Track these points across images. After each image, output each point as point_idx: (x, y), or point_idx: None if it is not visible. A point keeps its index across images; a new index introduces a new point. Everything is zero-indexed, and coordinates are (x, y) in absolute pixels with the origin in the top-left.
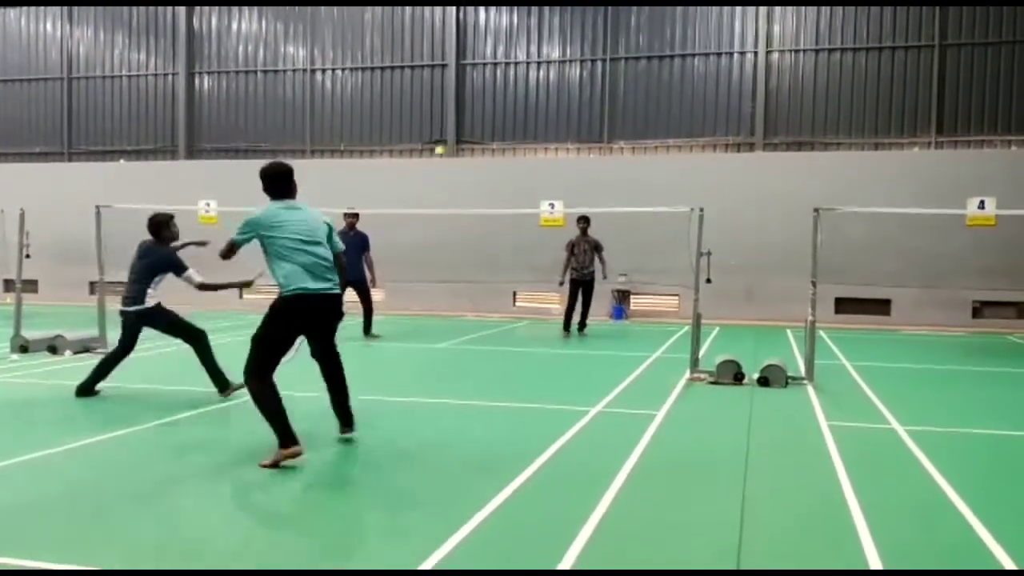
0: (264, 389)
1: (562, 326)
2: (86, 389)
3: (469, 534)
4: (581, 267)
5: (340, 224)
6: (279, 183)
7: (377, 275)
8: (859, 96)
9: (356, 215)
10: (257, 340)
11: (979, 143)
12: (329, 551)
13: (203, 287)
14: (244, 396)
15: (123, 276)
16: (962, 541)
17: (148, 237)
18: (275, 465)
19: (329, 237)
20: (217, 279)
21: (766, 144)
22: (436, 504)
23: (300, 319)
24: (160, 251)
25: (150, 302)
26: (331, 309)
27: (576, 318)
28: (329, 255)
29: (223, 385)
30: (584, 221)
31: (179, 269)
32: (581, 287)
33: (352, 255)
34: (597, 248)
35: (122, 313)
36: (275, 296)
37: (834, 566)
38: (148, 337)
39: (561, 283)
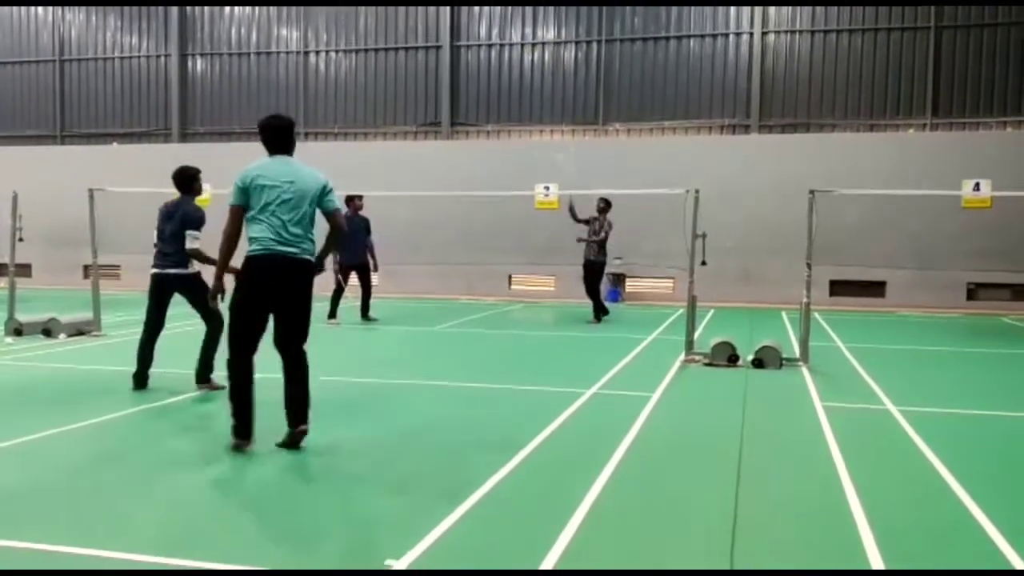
0: (233, 371)
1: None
2: (201, 378)
3: (464, 515)
4: (592, 249)
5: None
6: (279, 137)
7: (377, 259)
8: (855, 78)
9: (360, 198)
10: (229, 312)
11: (974, 125)
12: (321, 533)
13: (194, 254)
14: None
15: (116, 259)
16: (956, 519)
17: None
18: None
19: (321, 197)
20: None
21: (762, 126)
22: (431, 486)
23: (262, 282)
24: (191, 204)
25: (192, 267)
26: (296, 274)
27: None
28: (308, 225)
29: (203, 378)
30: (603, 202)
31: (199, 224)
32: (593, 268)
33: (356, 238)
34: (605, 226)
35: (165, 278)
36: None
37: (828, 545)
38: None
39: (576, 218)
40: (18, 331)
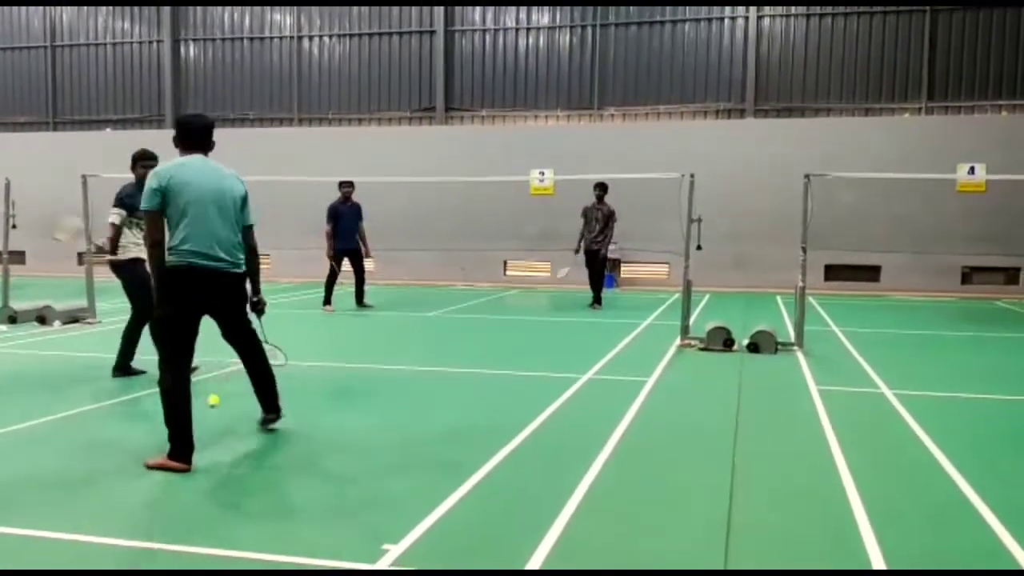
0: (172, 386)
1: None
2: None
3: (460, 499)
4: (592, 236)
5: (333, 196)
6: (195, 135)
7: (368, 245)
8: (850, 61)
9: (351, 184)
10: (155, 324)
11: (970, 108)
12: (317, 519)
13: (109, 227)
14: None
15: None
16: (949, 501)
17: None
18: (160, 468)
19: (243, 206)
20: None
21: (757, 110)
22: (427, 471)
23: (191, 296)
24: (125, 185)
25: (128, 254)
26: (229, 290)
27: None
28: (235, 228)
29: (121, 367)
30: (600, 188)
31: (118, 202)
32: (596, 256)
33: (349, 224)
34: (610, 218)
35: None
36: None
37: (824, 529)
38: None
39: (576, 251)
40: (12, 319)
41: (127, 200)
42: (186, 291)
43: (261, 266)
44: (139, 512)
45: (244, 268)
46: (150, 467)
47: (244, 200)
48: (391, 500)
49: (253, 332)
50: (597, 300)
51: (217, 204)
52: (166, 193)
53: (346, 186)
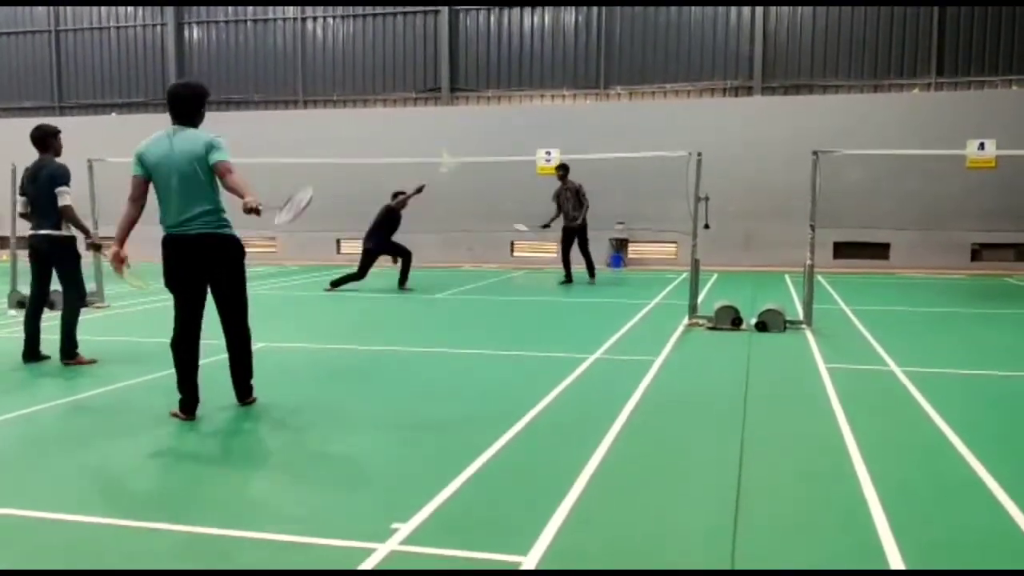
0: (173, 343)
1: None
2: (67, 354)
3: (470, 478)
4: (569, 216)
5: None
6: (173, 108)
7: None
8: (858, 37)
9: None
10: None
11: (979, 84)
12: (326, 498)
13: (67, 212)
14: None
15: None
16: (960, 479)
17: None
18: (174, 417)
19: (207, 155)
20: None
21: (764, 88)
22: (436, 450)
23: (176, 264)
24: (53, 162)
25: (67, 230)
26: (209, 250)
27: (581, 268)
28: (205, 191)
29: (69, 355)
30: (561, 169)
31: (67, 180)
32: (573, 235)
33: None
34: (579, 193)
35: (36, 240)
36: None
37: (834, 506)
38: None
39: (544, 226)
40: (21, 303)
41: None
42: (169, 258)
43: (268, 247)
44: (145, 489)
45: (228, 230)
46: (172, 415)
47: (204, 149)
48: (400, 479)
49: (239, 309)
50: (591, 274)
51: (179, 172)
52: (143, 164)
53: (402, 195)
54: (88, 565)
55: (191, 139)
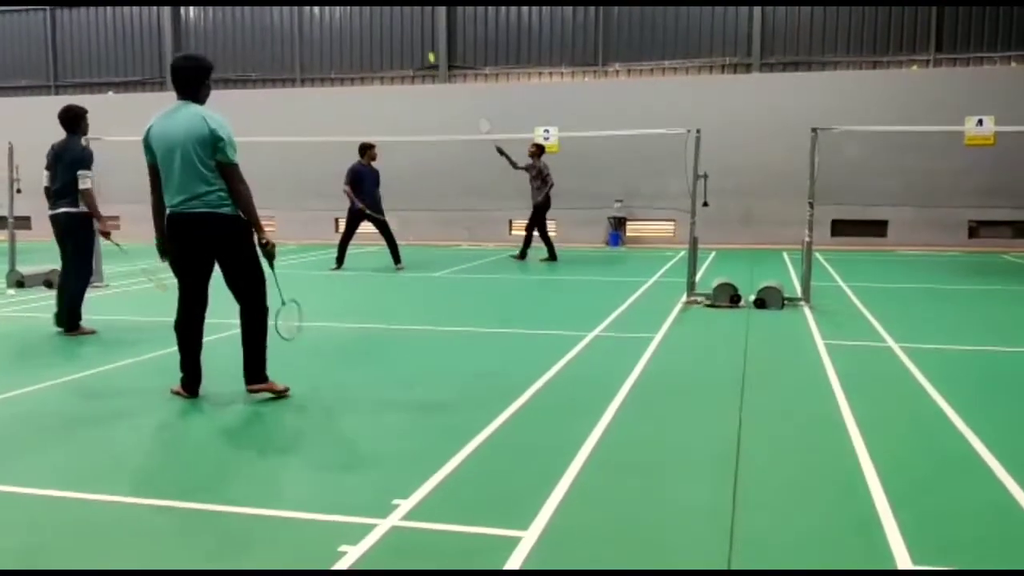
0: (178, 325)
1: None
2: (69, 325)
3: (469, 455)
4: (532, 194)
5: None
6: (176, 82)
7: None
8: (857, 13)
9: (373, 148)
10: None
11: (978, 60)
12: (326, 475)
13: (87, 195)
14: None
15: (115, 210)
16: (957, 454)
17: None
18: (176, 394)
19: (210, 145)
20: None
21: (763, 65)
22: (435, 428)
23: (178, 244)
24: (78, 143)
25: (82, 207)
26: (213, 229)
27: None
28: (204, 172)
29: (72, 325)
30: (535, 147)
31: (89, 163)
32: (535, 212)
33: (371, 188)
34: (541, 173)
35: (57, 218)
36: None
37: (832, 482)
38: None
39: (501, 152)
40: (20, 283)
41: None
42: (172, 238)
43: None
44: (146, 467)
45: (230, 209)
46: (173, 392)
47: (210, 139)
48: (401, 455)
49: (247, 288)
50: (523, 256)
51: (181, 150)
52: (149, 148)
53: (370, 148)
54: (92, 542)
55: (194, 116)
